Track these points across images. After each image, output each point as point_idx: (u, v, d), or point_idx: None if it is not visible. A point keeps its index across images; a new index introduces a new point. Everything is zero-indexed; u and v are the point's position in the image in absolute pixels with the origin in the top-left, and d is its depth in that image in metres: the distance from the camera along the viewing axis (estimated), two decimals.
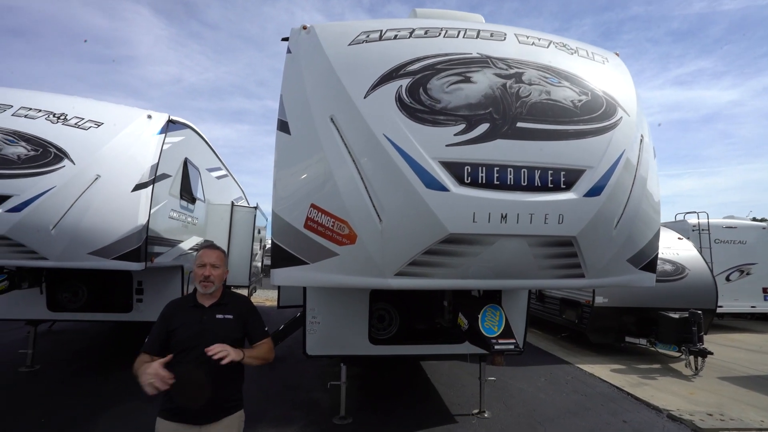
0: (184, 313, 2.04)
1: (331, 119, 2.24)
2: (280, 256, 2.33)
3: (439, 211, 2.10)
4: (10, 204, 3.65)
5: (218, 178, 7.56)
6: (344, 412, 4.32)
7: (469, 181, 2.14)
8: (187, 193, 5.57)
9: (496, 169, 2.16)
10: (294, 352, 6.75)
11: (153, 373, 1.77)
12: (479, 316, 2.48)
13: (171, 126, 4.75)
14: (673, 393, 5.40)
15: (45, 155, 3.80)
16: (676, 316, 6.39)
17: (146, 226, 4.28)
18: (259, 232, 8.89)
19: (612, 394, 5.37)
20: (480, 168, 2.15)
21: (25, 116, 3.92)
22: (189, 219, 5.78)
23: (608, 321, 7.14)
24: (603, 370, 6.37)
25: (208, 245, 2.16)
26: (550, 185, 2.21)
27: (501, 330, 2.45)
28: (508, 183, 2.17)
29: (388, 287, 2.26)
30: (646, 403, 5.04)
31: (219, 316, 2.04)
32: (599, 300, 6.92)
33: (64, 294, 5.77)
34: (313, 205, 2.24)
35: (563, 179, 2.23)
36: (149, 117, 4.52)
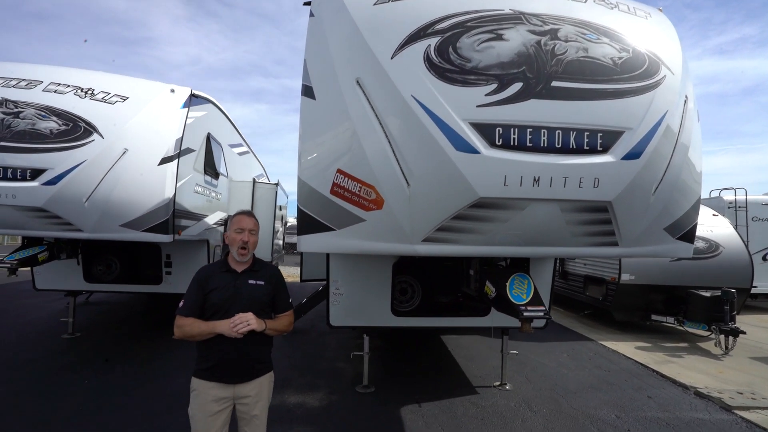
0: (218, 278, 2.08)
1: (357, 82, 2.18)
2: (306, 223, 2.33)
3: (469, 174, 2.04)
4: (45, 177, 3.79)
5: (240, 154, 7.63)
6: (367, 382, 4.42)
7: (500, 143, 2.06)
8: (210, 168, 5.65)
9: (529, 130, 2.07)
10: (316, 325, 6.93)
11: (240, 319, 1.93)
12: (507, 284, 2.44)
13: (193, 100, 4.78)
14: (701, 371, 5.28)
15: (75, 129, 3.89)
16: (708, 294, 6.18)
17: (173, 200, 4.38)
18: (280, 209, 9.00)
19: (636, 371, 5.30)
20: (512, 129, 2.06)
21: (55, 91, 4.00)
22: (213, 194, 5.88)
23: (634, 298, 6.98)
24: (627, 348, 6.28)
25: (244, 212, 2.18)
26: (585, 147, 2.10)
27: (530, 297, 2.41)
28: (542, 145, 2.08)
29: (415, 253, 2.24)
30: (672, 380, 4.96)
31: (251, 281, 2.09)
32: (625, 277, 6.75)
33: (99, 267, 6.05)
34: (339, 171, 2.21)
35: (600, 141, 2.12)
36: (172, 91, 4.55)
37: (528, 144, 2.07)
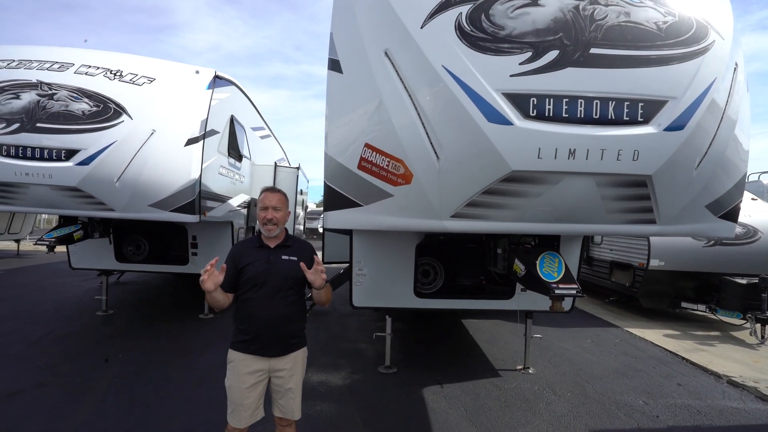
0: (252, 253, 2.12)
1: (386, 53, 2.12)
2: (332, 199, 2.33)
3: (501, 146, 1.97)
4: (79, 158, 3.91)
5: (262, 138, 7.69)
6: (389, 362, 4.47)
7: (534, 114, 1.97)
8: (234, 150, 5.72)
9: (565, 100, 1.98)
10: (337, 307, 7.02)
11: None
12: (537, 262, 2.38)
13: (218, 82, 4.81)
14: (735, 360, 5.10)
15: (106, 111, 3.99)
16: (744, 281, 5.91)
17: (199, 181, 4.46)
18: (301, 193, 9.08)
19: (665, 358, 5.16)
20: (547, 99, 1.98)
21: (86, 73, 4.10)
22: (237, 176, 5.96)
23: (663, 285, 6.76)
24: (655, 335, 6.12)
25: (269, 188, 2.20)
26: (625, 118, 2.00)
27: (561, 275, 2.34)
28: (578, 116, 1.98)
29: (444, 230, 2.21)
30: (703, 368, 4.81)
31: (284, 257, 2.11)
32: (654, 263, 6.53)
33: (129, 247, 6.27)
34: (367, 145, 2.18)
35: (641, 111, 2.00)
36: (197, 72, 4.59)
37: (564, 115, 1.98)
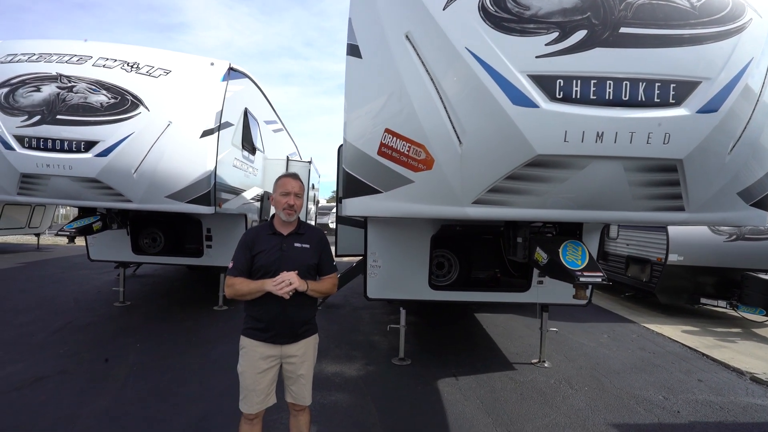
0: (264, 240, 2.10)
1: (407, 37, 2.08)
2: (352, 186, 2.30)
3: (526, 129, 1.92)
4: (98, 149, 3.96)
5: (274, 131, 7.71)
6: (403, 354, 4.46)
7: (561, 96, 1.92)
8: (248, 143, 5.74)
9: (593, 81, 1.92)
10: (350, 300, 7.04)
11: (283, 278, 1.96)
12: (559, 250, 2.33)
13: (232, 74, 4.82)
14: (758, 357, 4.97)
15: (123, 102, 4.02)
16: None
17: (214, 172, 4.49)
18: (312, 188, 9.09)
19: (684, 354, 5.05)
20: (574, 81, 1.92)
21: (104, 66, 4.14)
22: (250, 169, 5.99)
23: (682, 281, 6.61)
24: (673, 331, 5.99)
25: (289, 174, 2.18)
26: (656, 100, 1.93)
27: (585, 263, 2.29)
28: (607, 97, 1.92)
29: (465, 217, 2.17)
30: (724, 365, 4.69)
31: (297, 244, 2.10)
32: (673, 258, 6.39)
33: (145, 240, 6.37)
34: (387, 130, 2.15)
35: (673, 93, 1.93)
36: (212, 64, 4.60)
37: (592, 97, 1.92)
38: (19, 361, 4.03)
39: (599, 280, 2.21)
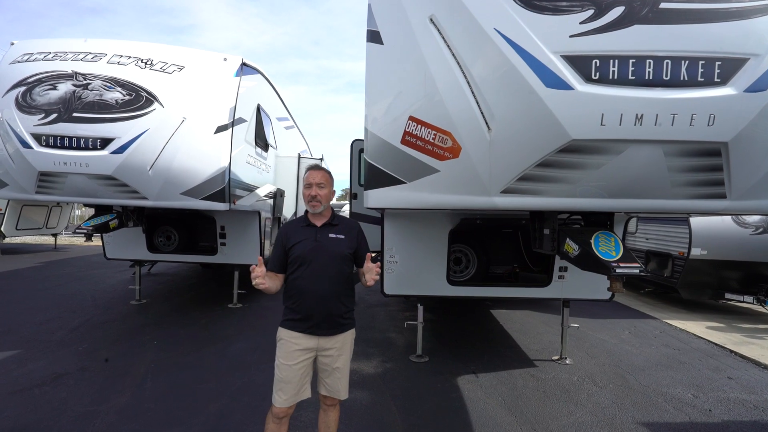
0: (299, 232, 2.11)
1: (431, 20, 2.00)
2: (374, 177, 2.23)
3: (560, 113, 1.82)
4: (113, 146, 3.95)
5: (286, 128, 7.68)
6: (421, 351, 4.39)
7: (597, 77, 1.82)
8: (261, 139, 5.71)
9: (631, 61, 1.81)
10: (364, 297, 6.98)
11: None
12: (591, 241, 2.23)
13: (245, 69, 4.78)
14: None
15: (138, 99, 4.01)
16: None
17: (228, 168, 4.46)
18: None
19: (711, 351, 4.89)
20: (611, 61, 1.82)
21: (118, 63, 4.13)
22: (263, 166, 5.96)
23: (705, 276, 6.42)
24: (697, 327, 5.82)
25: (312, 166, 2.18)
26: (700, 79, 1.82)
27: (621, 254, 2.19)
28: (647, 77, 1.81)
29: (493, 207, 2.09)
30: (754, 362, 4.53)
31: (332, 235, 2.09)
32: (696, 252, 6.20)
33: (160, 238, 6.39)
34: (411, 118, 2.07)
35: (718, 71, 1.82)
36: (225, 60, 4.56)
37: (630, 77, 1.82)
38: (40, 358, 4.06)
39: (636, 271, 2.10)
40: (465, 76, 1.93)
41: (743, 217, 6.09)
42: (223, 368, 3.94)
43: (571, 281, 4.17)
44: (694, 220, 6.31)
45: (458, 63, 1.94)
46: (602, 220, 2.48)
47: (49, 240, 13.68)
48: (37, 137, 3.94)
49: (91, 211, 5.09)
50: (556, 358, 4.46)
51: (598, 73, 1.82)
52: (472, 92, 1.93)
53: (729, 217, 6.15)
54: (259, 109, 5.56)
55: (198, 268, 9.11)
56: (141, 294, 6.28)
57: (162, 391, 3.44)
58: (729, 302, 6.60)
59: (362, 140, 6.89)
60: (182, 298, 6.80)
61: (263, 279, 1.90)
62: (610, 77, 1.82)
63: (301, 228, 2.12)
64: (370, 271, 2.01)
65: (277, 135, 6.88)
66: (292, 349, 2.04)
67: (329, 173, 2.14)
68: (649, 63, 1.81)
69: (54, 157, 3.94)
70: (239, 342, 4.67)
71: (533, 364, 4.35)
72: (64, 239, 14.54)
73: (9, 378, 3.60)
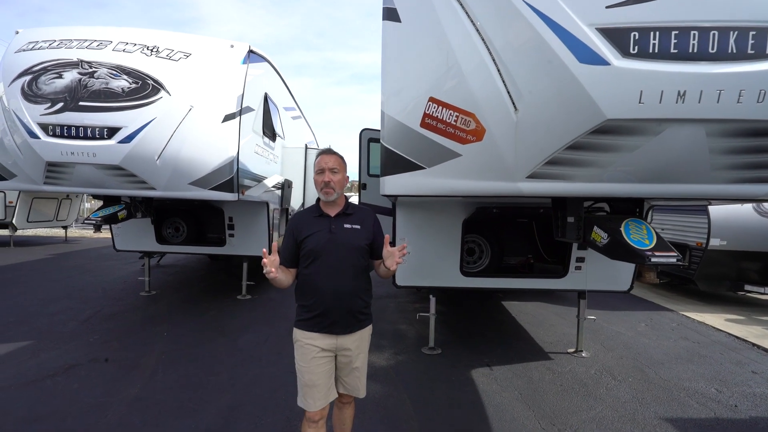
0: (312, 224, 1.95)
1: None
2: (391, 162, 2.12)
3: (595, 91, 1.69)
4: (120, 135, 3.88)
5: (293, 118, 7.57)
6: (433, 343, 4.31)
7: (635, 51, 1.68)
8: (268, 129, 5.61)
9: (674, 33, 1.67)
10: (374, 288, 6.91)
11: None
12: (621, 229, 2.11)
13: (252, 57, 4.67)
14: None
15: (144, 87, 3.92)
16: None
17: (236, 158, 4.37)
18: None
19: (732, 344, 4.75)
20: (652, 33, 1.67)
21: (124, 50, 4.03)
22: (271, 156, 5.87)
23: (724, 267, 6.24)
24: (716, 320, 5.67)
25: (325, 150, 2.01)
26: (750, 51, 1.67)
27: (654, 242, 2.06)
28: (691, 50, 1.67)
29: (519, 193, 1.97)
30: None
31: (347, 225, 1.95)
32: (715, 242, 6.03)
33: (168, 230, 6.36)
34: (432, 99, 1.96)
35: None
36: (231, 47, 4.45)
37: (672, 50, 1.68)
38: (53, 349, 4.06)
39: (673, 260, 1.97)
40: (490, 53, 1.80)
41: (765, 205, 5.89)
42: (233, 360, 3.91)
43: (589, 272, 4.05)
44: (713, 209, 6.13)
45: (483, 39, 1.81)
46: (630, 208, 2.35)
47: (59, 232, 13.80)
48: (44, 127, 3.88)
49: (100, 204, 5.05)
50: (572, 350, 4.37)
51: (636, 47, 1.68)
52: (498, 70, 1.80)
53: (750, 206, 5.96)
54: (266, 98, 5.46)
55: (207, 260, 9.11)
56: (150, 285, 6.28)
57: (172, 382, 3.41)
58: (748, 294, 6.43)
59: (371, 129, 6.76)
60: (192, 289, 6.79)
61: (274, 269, 1.75)
62: (650, 51, 1.68)
63: (313, 219, 1.96)
64: (391, 256, 1.84)
65: (285, 125, 6.77)
66: (312, 352, 1.90)
67: (342, 158, 1.99)
68: (694, 35, 1.67)
69: (61, 146, 3.88)
70: (249, 333, 4.64)
71: (548, 356, 4.26)
72: (74, 231, 14.67)
73: (22, 368, 3.59)
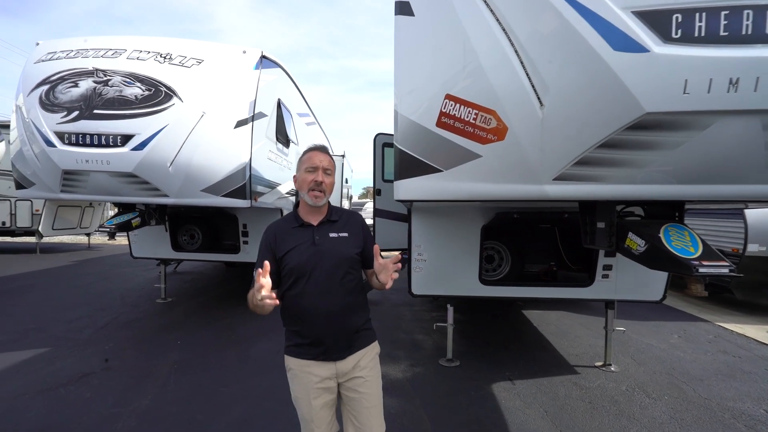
0: (291, 236, 1.67)
1: None
2: (405, 165, 1.98)
3: (632, 81, 1.52)
4: (134, 143, 3.87)
5: (308, 124, 7.54)
6: (451, 355, 4.13)
7: (679, 35, 1.50)
8: (282, 135, 5.56)
9: (723, 13, 1.48)
10: (388, 296, 6.76)
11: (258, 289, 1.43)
12: (660, 235, 1.90)
13: (264, 62, 4.63)
14: None
15: (157, 94, 3.91)
16: None
17: (249, 164, 4.32)
18: (347, 181, 8.87)
19: None
20: (697, 14, 1.49)
21: (137, 58, 4.05)
22: (285, 163, 5.82)
23: (763, 274, 5.82)
24: (757, 332, 5.27)
25: (316, 146, 1.73)
26: None
27: (701, 250, 1.84)
28: (744, 32, 1.48)
29: (544, 196, 1.80)
30: None
31: (333, 234, 1.68)
32: (753, 248, 5.64)
33: (184, 237, 6.37)
34: (448, 97, 1.81)
35: None
36: (244, 52, 4.42)
37: (722, 33, 1.49)
38: (68, 356, 4.06)
39: (725, 270, 1.75)
40: (512, 44, 1.65)
41: None
42: (245, 370, 3.82)
43: (617, 281, 3.80)
44: (750, 213, 5.74)
45: (504, 29, 1.66)
46: (668, 212, 2.13)
47: (83, 239, 14.17)
48: (60, 135, 3.91)
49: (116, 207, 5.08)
50: (600, 364, 4.10)
51: (680, 31, 1.49)
52: (521, 62, 1.64)
53: None
54: (279, 103, 5.41)
55: (222, 267, 9.14)
56: (166, 292, 6.30)
57: (184, 393, 3.34)
58: None
59: (386, 134, 6.61)
60: (207, 296, 6.78)
61: (270, 293, 1.41)
62: (696, 34, 1.49)
63: (292, 230, 1.68)
64: (385, 270, 1.52)
65: (299, 131, 6.73)
66: (307, 380, 1.65)
67: (333, 159, 1.74)
68: (748, 14, 1.47)
69: (76, 155, 3.90)
70: (262, 342, 4.55)
71: (574, 370, 4.01)
72: (97, 238, 15.05)
73: (37, 376, 3.59)
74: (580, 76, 1.58)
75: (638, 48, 1.50)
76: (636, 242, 1.94)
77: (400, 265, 1.53)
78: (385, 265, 1.53)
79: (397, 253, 1.76)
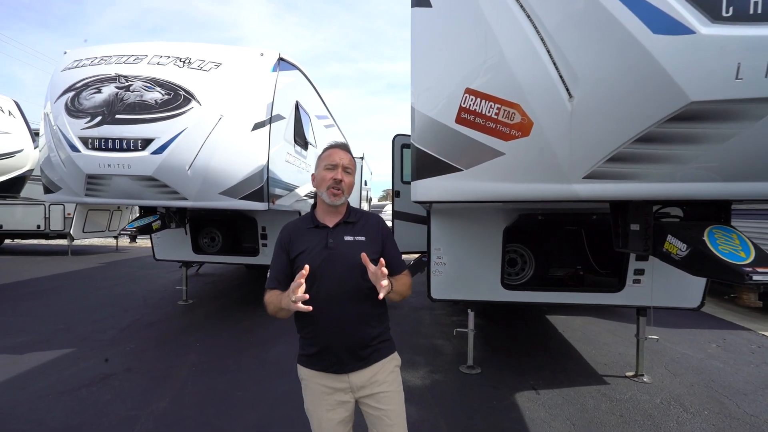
0: (305, 237, 1.60)
1: None
2: (423, 165, 1.87)
3: (674, 67, 1.36)
4: (153, 146, 3.92)
5: (326, 127, 7.53)
6: (472, 362, 3.98)
7: (730, 13, 1.33)
8: (300, 137, 5.55)
9: None
10: (408, 300, 6.64)
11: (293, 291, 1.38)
12: (704, 238, 1.72)
13: (282, 65, 4.62)
14: None
15: (176, 98, 3.95)
16: None
17: (266, 167, 4.31)
18: (366, 183, 8.82)
19: None
20: None
21: (157, 63, 4.11)
22: (303, 165, 5.80)
23: None
24: None
25: (336, 144, 1.66)
26: None
27: (753, 256, 1.65)
28: None
29: (574, 197, 1.66)
30: None
31: (348, 237, 1.59)
32: None
33: (204, 240, 6.45)
34: (468, 91, 1.70)
35: None
36: (261, 55, 4.43)
37: None
38: (91, 357, 4.13)
39: None
40: (538, 32, 1.52)
41: None
42: (263, 373, 3.79)
43: (650, 286, 3.57)
44: None
45: (528, 15, 1.54)
46: (711, 213, 1.94)
47: (112, 242, 14.67)
48: (84, 140, 4.00)
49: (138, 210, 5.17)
50: (631, 374, 3.87)
51: (731, 8, 1.33)
52: (548, 51, 1.51)
53: None
54: (297, 106, 5.41)
55: (243, 269, 9.24)
56: (188, 294, 6.38)
57: (201, 396, 3.33)
58: None
59: (404, 135, 6.49)
60: (227, 299, 6.84)
61: (304, 295, 1.36)
62: (752, 11, 1.31)
63: (307, 231, 1.61)
64: (375, 279, 1.43)
65: (317, 133, 6.72)
66: (319, 392, 1.58)
67: (353, 157, 1.66)
68: None
69: (99, 159, 3.98)
70: (280, 345, 4.53)
71: (603, 380, 3.79)
72: (124, 241, 15.57)
73: (61, 377, 3.66)
74: (615, 63, 1.44)
75: (682, 29, 1.34)
76: (676, 246, 1.77)
77: (383, 276, 1.41)
78: (376, 275, 1.43)
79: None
